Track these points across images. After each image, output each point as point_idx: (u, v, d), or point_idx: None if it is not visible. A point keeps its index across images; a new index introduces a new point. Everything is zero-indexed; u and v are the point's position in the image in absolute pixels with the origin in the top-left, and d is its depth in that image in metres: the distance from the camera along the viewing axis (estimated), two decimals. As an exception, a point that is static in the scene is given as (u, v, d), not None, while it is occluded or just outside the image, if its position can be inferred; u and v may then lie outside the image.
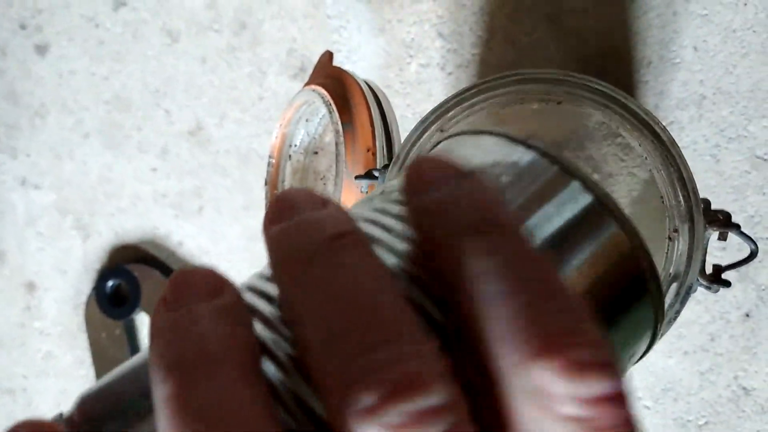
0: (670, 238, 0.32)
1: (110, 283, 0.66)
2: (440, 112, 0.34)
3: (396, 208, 0.20)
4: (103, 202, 0.69)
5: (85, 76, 0.67)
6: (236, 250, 0.65)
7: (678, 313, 0.32)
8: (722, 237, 0.36)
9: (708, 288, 0.34)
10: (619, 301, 0.22)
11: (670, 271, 0.32)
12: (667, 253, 0.32)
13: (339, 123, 0.38)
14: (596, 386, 0.15)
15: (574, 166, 0.22)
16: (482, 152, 0.24)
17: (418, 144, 0.33)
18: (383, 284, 0.16)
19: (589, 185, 0.22)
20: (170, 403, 0.15)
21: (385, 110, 0.40)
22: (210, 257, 0.66)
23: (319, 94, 0.39)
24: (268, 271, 0.19)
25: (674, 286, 0.31)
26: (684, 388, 0.53)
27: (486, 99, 0.35)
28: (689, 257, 0.31)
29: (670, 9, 0.50)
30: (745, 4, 0.49)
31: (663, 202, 0.34)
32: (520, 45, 0.53)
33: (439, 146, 0.29)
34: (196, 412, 0.14)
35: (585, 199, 0.22)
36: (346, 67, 0.58)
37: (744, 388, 0.52)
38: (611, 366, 0.15)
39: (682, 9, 0.50)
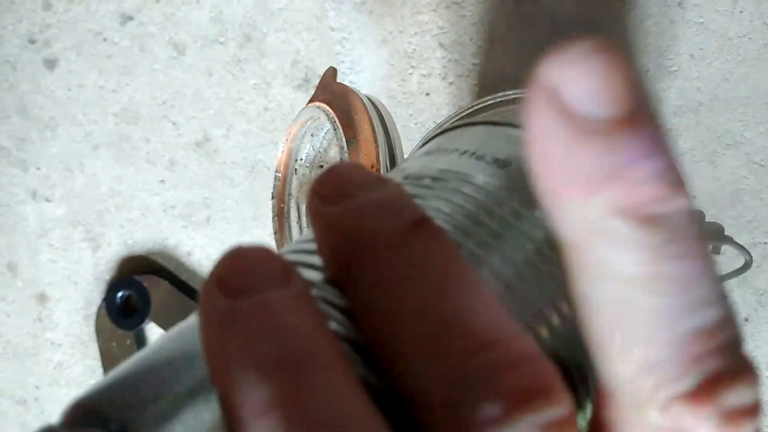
0: None
1: (120, 294, 0.70)
2: (440, 130, 0.37)
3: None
4: (113, 214, 0.73)
5: (93, 90, 0.71)
6: (244, 260, 0.68)
7: None
8: (715, 250, 0.39)
9: None
10: None
11: None
12: None
13: (343, 140, 0.41)
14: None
15: None
16: (470, 138, 0.26)
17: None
18: (472, 278, 0.15)
19: None
20: (277, 408, 0.13)
21: (388, 127, 0.44)
22: (219, 267, 0.70)
23: (324, 110, 0.43)
24: (309, 257, 0.18)
25: None
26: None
27: (489, 117, 0.38)
28: None
29: (666, 17, 0.53)
30: (741, 12, 0.52)
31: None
32: (521, 54, 0.57)
33: (430, 143, 0.31)
34: (313, 417, 0.13)
35: None
36: (350, 78, 0.62)
37: (744, 391, 0.55)
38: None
39: (678, 17, 0.53)
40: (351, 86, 0.60)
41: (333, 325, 0.16)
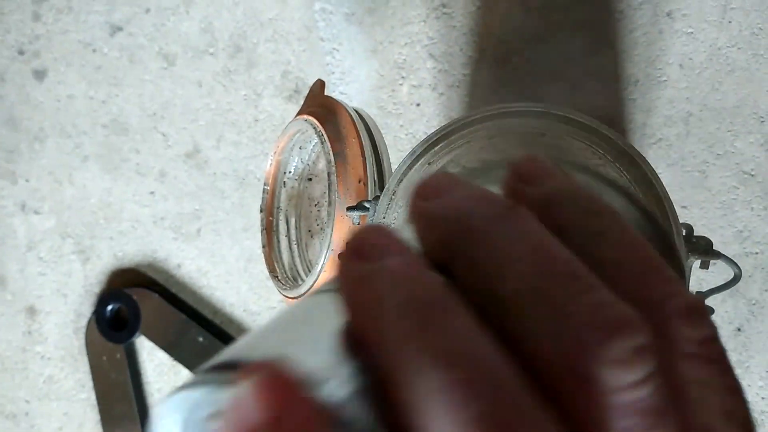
0: None
1: (110, 307, 0.71)
2: (428, 145, 0.38)
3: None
4: (103, 226, 0.74)
5: (83, 101, 0.72)
6: (235, 272, 0.69)
7: None
8: (704, 266, 0.39)
9: None
10: None
11: None
12: None
13: (331, 153, 0.42)
14: (708, 329, 0.18)
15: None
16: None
17: (407, 177, 0.37)
18: (556, 240, 0.18)
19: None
20: (414, 337, 0.15)
21: (376, 140, 0.44)
22: (209, 279, 0.71)
23: (312, 124, 0.44)
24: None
25: None
26: (677, 402, 0.56)
27: (471, 132, 0.39)
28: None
29: (656, 27, 0.54)
30: (730, 22, 0.53)
31: (644, 232, 0.37)
32: (510, 65, 0.57)
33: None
34: (445, 343, 0.15)
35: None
36: (340, 88, 0.62)
37: (736, 402, 0.55)
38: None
39: (667, 27, 0.54)
40: (340, 98, 0.61)
41: None
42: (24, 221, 0.77)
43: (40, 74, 0.74)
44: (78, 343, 0.75)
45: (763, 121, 0.53)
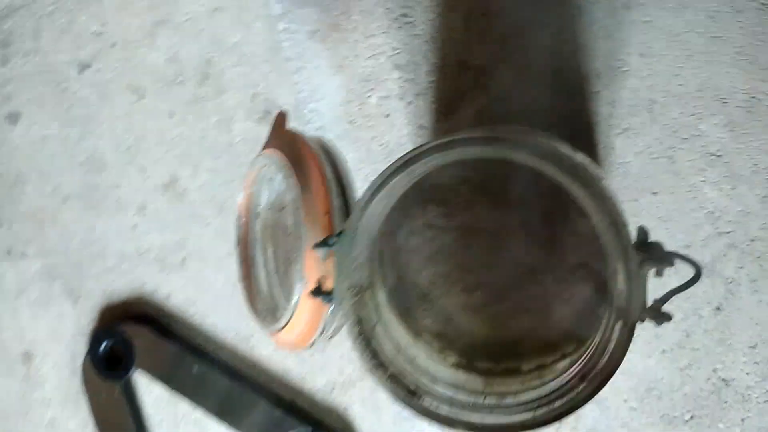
0: (610, 277, 0.37)
1: (104, 345, 0.73)
2: (385, 178, 0.39)
3: None
4: (89, 264, 0.75)
5: (58, 141, 0.74)
6: (223, 297, 0.71)
7: (625, 350, 0.37)
8: (659, 273, 0.40)
9: (653, 322, 0.38)
10: None
11: (617, 306, 0.37)
12: (613, 290, 0.37)
13: (296, 188, 0.43)
14: None
15: None
16: None
17: (367, 212, 0.38)
18: None
19: None
20: None
21: (339, 170, 0.46)
22: (198, 307, 0.72)
23: (276, 160, 0.45)
24: None
25: (620, 323, 0.36)
26: (666, 385, 0.58)
27: (428, 162, 0.40)
28: (629, 295, 0.36)
29: (613, 20, 0.56)
30: (686, 7, 0.55)
31: (602, 244, 0.39)
32: (474, 69, 0.59)
33: None
34: None
35: None
36: (310, 106, 0.64)
37: (723, 380, 0.57)
38: None
39: (625, 18, 0.56)
40: (311, 116, 0.63)
41: None
42: (11, 266, 0.79)
43: (13, 118, 0.76)
44: (76, 384, 0.77)
45: (725, 102, 0.55)
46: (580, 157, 0.39)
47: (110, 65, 0.71)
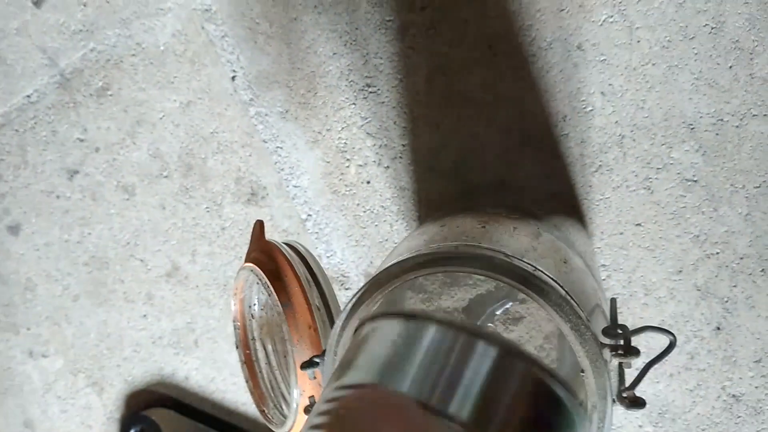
0: (582, 373, 0.37)
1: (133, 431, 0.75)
2: (356, 301, 0.40)
3: None
4: (108, 356, 0.78)
5: (60, 245, 0.76)
6: (239, 372, 0.72)
7: None
8: (626, 365, 0.40)
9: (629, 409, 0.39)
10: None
11: (591, 402, 0.37)
12: (584, 387, 0.38)
13: (278, 304, 0.44)
14: None
15: (476, 327, 0.30)
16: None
17: (344, 335, 0.40)
18: None
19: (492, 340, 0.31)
20: None
21: (319, 278, 0.47)
22: (217, 384, 0.74)
23: (257, 275, 0.46)
24: None
25: (596, 415, 0.37)
26: (678, 408, 0.59)
27: (395, 284, 0.40)
28: (601, 390, 0.37)
29: (569, 62, 0.57)
30: (639, 41, 0.56)
31: (571, 346, 0.39)
32: (443, 127, 0.61)
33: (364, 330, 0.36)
34: None
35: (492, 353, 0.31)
36: (293, 182, 0.66)
37: (734, 396, 0.58)
38: None
39: (580, 60, 0.57)
40: (295, 191, 0.65)
41: None
42: (35, 366, 0.82)
43: (14, 229, 0.78)
44: (113, 470, 0.79)
45: (692, 128, 0.55)
46: (529, 268, 0.39)
47: (98, 168, 0.73)
